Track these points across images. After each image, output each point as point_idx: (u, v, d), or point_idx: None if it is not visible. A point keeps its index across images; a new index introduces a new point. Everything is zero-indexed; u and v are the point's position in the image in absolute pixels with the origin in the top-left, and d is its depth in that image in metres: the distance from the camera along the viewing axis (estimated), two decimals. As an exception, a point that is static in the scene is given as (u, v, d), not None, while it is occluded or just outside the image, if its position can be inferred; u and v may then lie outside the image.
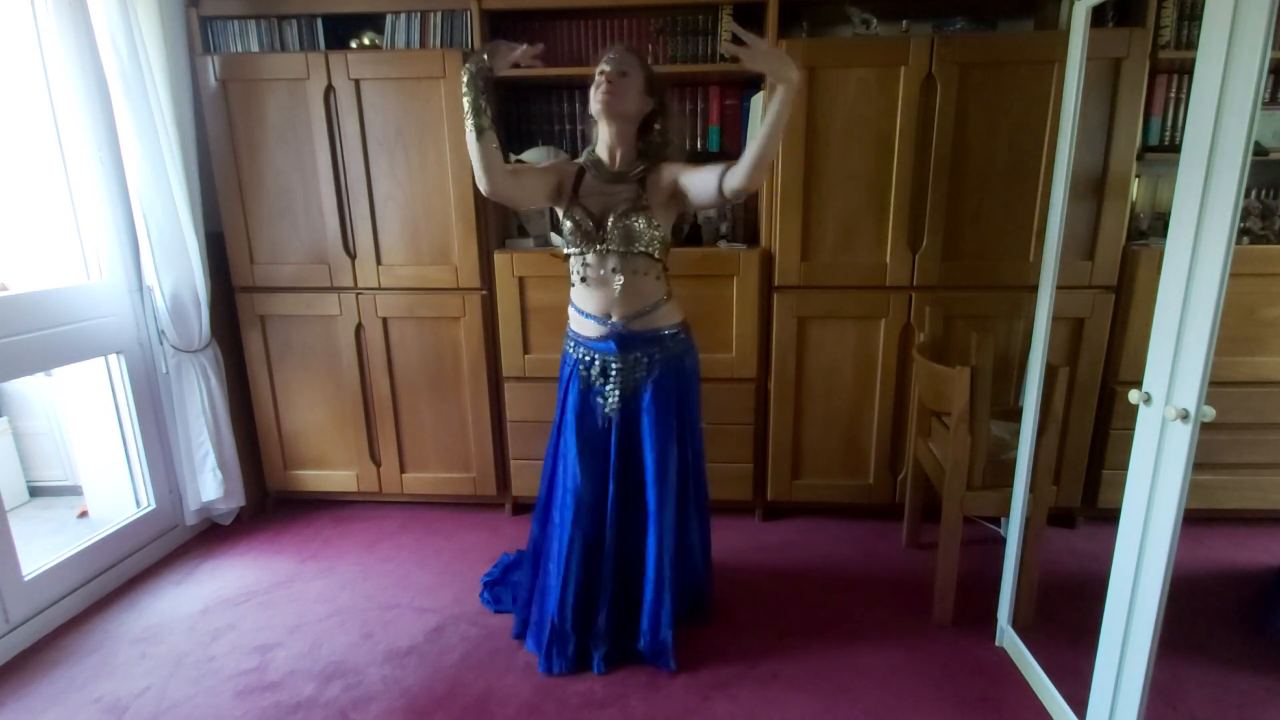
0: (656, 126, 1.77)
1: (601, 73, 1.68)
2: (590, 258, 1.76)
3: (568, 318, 1.90)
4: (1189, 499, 1.23)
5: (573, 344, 1.88)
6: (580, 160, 1.83)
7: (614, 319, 1.78)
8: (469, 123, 1.58)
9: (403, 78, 2.39)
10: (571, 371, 1.87)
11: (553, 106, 2.69)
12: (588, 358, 1.84)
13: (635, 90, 1.70)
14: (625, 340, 1.78)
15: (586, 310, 1.81)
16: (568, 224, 1.78)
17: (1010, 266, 2.37)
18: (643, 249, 1.73)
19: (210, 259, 2.50)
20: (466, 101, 1.56)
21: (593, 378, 1.84)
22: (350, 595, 2.25)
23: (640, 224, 1.71)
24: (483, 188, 1.66)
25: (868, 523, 2.67)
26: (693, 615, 2.05)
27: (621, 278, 1.74)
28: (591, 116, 1.75)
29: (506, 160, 2.55)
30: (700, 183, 1.66)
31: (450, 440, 2.72)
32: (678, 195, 1.74)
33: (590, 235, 1.74)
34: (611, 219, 1.72)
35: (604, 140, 1.78)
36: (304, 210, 2.54)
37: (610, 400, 1.82)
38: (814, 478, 2.63)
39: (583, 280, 1.79)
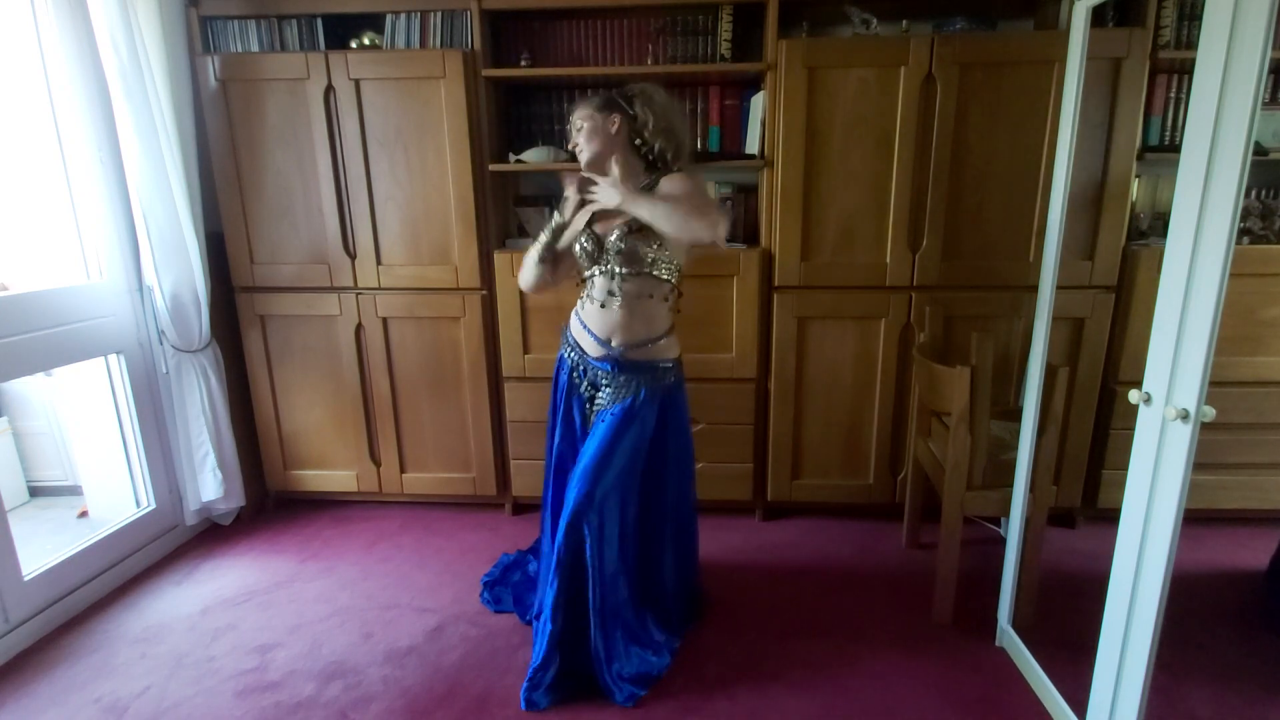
0: (637, 141, 1.77)
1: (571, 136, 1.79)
2: (599, 280, 1.78)
3: (568, 320, 1.92)
4: (1189, 499, 1.23)
5: (569, 349, 1.90)
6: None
7: (615, 344, 1.80)
8: (536, 252, 1.81)
9: (403, 78, 2.39)
10: (563, 373, 1.91)
11: (553, 107, 2.69)
12: (581, 366, 1.87)
13: (600, 131, 1.74)
14: (621, 365, 1.81)
15: (590, 326, 1.83)
16: (576, 248, 1.80)
17: (1010, 266, 2.37)
18: (648, 270, 1.75)
19: (210, 259, 2.50)
20: (544, 238, 1.80)
21: (583, 388, 1.88)
22: (350, 595, 2.25)
23: (639, 245, 1.73)
24: (523, 285, 1.89)
25: (868, 523, 2.67)
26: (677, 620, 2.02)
27: (620, 299, 1.76)
28: None
29: (505, 160, 2.57)
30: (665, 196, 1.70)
31: (450, 440, 2.72)
32: None
33: (593, 256, 1.77)
34: (611, 240, 1.74)
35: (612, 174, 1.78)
36: (304, 210, 2.54)
37: (595, 413, 1.85)
38: (814, 478, 2.63)
39: (591, 301, 1.81)
